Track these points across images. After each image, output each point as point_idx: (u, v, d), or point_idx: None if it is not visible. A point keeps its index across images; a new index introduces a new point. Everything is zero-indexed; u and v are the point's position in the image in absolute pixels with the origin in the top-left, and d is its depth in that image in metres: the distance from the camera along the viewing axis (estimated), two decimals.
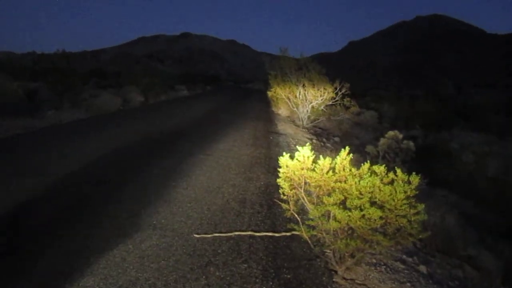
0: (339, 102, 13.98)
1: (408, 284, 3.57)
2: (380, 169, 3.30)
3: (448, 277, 4.18)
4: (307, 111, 14.22)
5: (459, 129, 17.86)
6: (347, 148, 3.55)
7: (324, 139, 12.09)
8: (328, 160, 3.46)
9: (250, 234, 4.17)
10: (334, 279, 3.43)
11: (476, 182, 10.15)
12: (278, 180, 3.69)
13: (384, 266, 3.84)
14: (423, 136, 15.74)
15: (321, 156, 3.51)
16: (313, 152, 3.60)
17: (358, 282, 3.45)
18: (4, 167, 6.34)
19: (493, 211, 8.04)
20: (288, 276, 3.39)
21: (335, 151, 9.28)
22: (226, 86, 55.79)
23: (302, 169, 3.52)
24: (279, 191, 3.74)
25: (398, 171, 3.23)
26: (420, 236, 3.19)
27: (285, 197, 3.71)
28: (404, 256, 4.25)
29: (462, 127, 18.63)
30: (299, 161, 3.55)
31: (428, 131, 17.06)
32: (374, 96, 27.58)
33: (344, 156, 3.48)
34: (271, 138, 10.51)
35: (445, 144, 13.99)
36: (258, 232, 4.23)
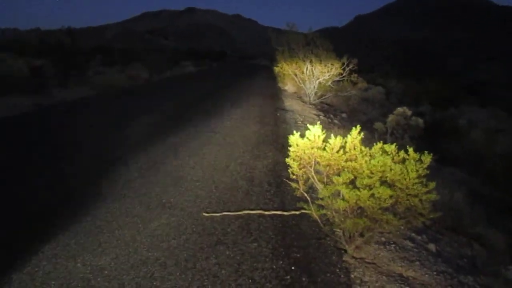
0: (346, 78, 13.82)
1: (418, 263, 3.56)
2: (391, 148, 3.26)
3: (457, 256, 4.19)
4: (314, 87, 14.08)
5: (468, 105, 17.69)
6: (358, 127, 3.50)
7: (332, 116, 12.00)
8: (339, 139, 3.42)
9: (259, 213, 4.17)
10: (343, 258, 3.43)
11: (484, 159, 10.08)
12: (287, 159, 3.65)
13: (394, 245, 3.83)
14: (431, 113, 15.60)
15: (332, 135, 3.46)
16: (323, 131, 3.56)
17: (368, 261, 3.45)
18: None
19: (501, 188, 8.00)
20: (298, 255, 3.39)
21: (343, 128, 9.22)
22: (231, 61, 55.33)
23: (312, 148, 3.48)
24: (289, 170, 3.72)
25: (410, 150, 3.18)
26: (431, 216, 3.17)
27: (294, 177, 3.68)
28: (413, 235, 4.25)
29: (470, 103, 18.44)
30: (309, 140, 3.51)
31: (436, 107, 16.90)
32: (382, 72, 27.26)
33: (355, 135, 3.44)
34: (278, 114, 10.44)
35: (453, 121, 13.87)
36: (267, 210, 4.22)
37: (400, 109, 9.77)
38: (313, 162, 3.52)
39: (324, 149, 3.44)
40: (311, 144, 3.48)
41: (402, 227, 3.88)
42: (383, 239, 3.89)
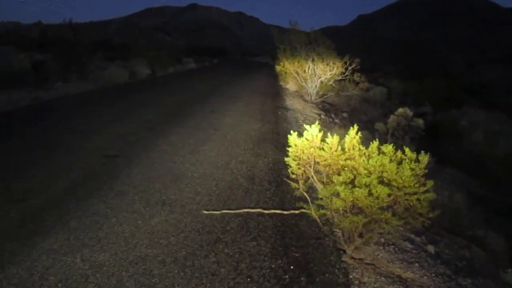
0: (348, 77, 13.79)
1: (417, 264, 3.57)
2: (388, 148, 3.25)
3: (456, 258, 4.18)
4: (316, 86, 14.05)
5: (469, 106, 17.67)
6: (356, 126, 3.50)
7: (333, 115, 11.99)
8: (336, 138, 3.42)
9: (259, 212, 4.17)
10: (342, 259, 3.43)
11: (485, 161, 10.08)
12: (286, 159, 3.66)
13: (393, 246, 3.83)
14: (432, 113, 15.60)
15: (329, 134, 3.47)
16: (321, 130, 3.56)
17: (367, 262, 3.46)
18: None
19: (501, 191, 8.01)
20: (297, 255, 3.40)
21: (344, 127, 9.22)
22: (233, 59, 55.24)
23: (311, 147, 3.49)
24: (288, 170, 3.72)
25: (407, 150, 3.19)
26: (430, 216, 3.17)
27: (294, 176, 3.69)
28: (413, 236, 4.25)
29: (472, 105, 18.42)
30: (307, 139, 3.51)
31: (438, 108, 16.89)
32: (383, 72, 27.23)
33: (353, 135, 3.44)
34: (279, 113, 10.44)
35: (454, 122, 13.86)
36: (267, 209, 4.23)
37: (401, 110, 9.76)
38: (313, 162, 3.52)
39: (323, 148, 3.44)
40: (309, 144, 3.48)
41: (402, 228, 3.89)
42: (382, 240, 3.90)
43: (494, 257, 4.90)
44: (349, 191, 3.05)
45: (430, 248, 4.13)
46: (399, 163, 3.14)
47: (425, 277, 3.38)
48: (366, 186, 3.03)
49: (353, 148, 3.36)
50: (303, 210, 3.85)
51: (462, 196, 6.96)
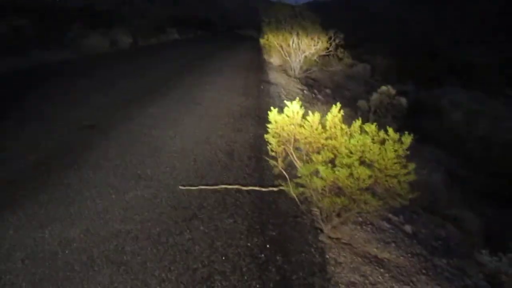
0: (332, 53, 13.66)
1: (393, 244, 3.57)
2: (371, 128, 3.18)
3: (432, 237, 4.21)
4: (300, 60, 13.88)
5: (451, 86, 17.75)
6: (338, 104, 3.42)
7: (316, 91, 11.88)
8: (317, 116, 3.33)
9: (236, 188, 4.10)
10: (319, 238, 3.40)
11: (464, 140, 10.17)
12: (266, 136, 3.56)
13: (370, 225, 3.82)
14: (415, 92, 15.62)
15: (309, 112, 3.38)
16: (303, 106, 3.47)
17: (343, 241, 3.43)
18: None
19: (479, 171, 8.09)
20: (273, 233, 3.35)
21: (326, 104, 9.16)
22: (218, 31, 54.27)
23: (291, 125, 3.40)
24: (268, 147, 3.63)
25: (390, 130, 3.12)
26: (410, 197, 3.14)
27: (273, 153, 3.60)
28: (390, 215, 4.25)
29: (454, 84, 18.51)
30: (288, 116, 3.42)
31: (420, 86, 16.93)
32: (369, 49, 27.10)
33: (335, 113, 3.35)
34: (262, 87, 10.29)
35: (436, 101, 13.91)
36: (245, 186, 4.16)
37: (384, 88, 9.69)
38: (293, 139, 3.44)
39: (303, 126, 3.36)
40: (289, 121, 3.39)
41: (380, 207, 3.87)
42: (360, 219, 3.88)
43: (469, 237, 4.95)
44: (330, 171, 2.98)
45: (407, 228, 4.13)
46: (382, 143, 3.08)
47: (401, 258, 3.38)
48: (348, 167, 2.97)
49: (335, 127, 3.28)
50: (281, 187, 3.78)
51: (441, 175, 7.01)
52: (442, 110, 12.80)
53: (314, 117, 3.29)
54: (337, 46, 13.44)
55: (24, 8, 17.75)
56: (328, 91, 12.49)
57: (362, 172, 2.97)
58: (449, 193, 6.47)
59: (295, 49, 13.81)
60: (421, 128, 9.41)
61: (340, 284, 2.89)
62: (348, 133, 3.25)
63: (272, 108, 3.52)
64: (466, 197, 6.65)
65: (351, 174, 2.99)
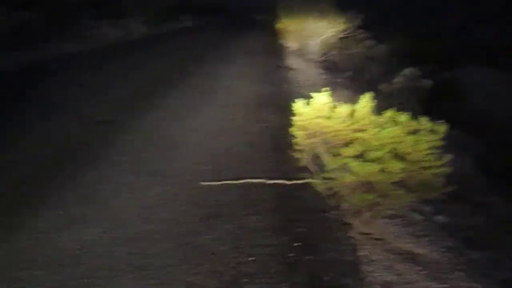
0: (351, 35, 13.36)
1: (426, 238, 3.41)
2: (403, 118, 3.00)
3: (465, 227, 4.06)
4: (318, 44, 13.61)
5: (473, 66, 17.22)
6: (367, 94, 3.24)
7: (336, 74, 11.63)
8: (345, 107, 3.17)
9: (260, 182, 3.94)
10: (349, 234, 3.23)
11: (490, 122, 9.85)
12: (290, 129, 3.40)
13: (401, 218, 3.66)
14: (437, 73, 15.20)
15: (331, 98, 3.21)
16: (330, 98, 3.30)
17: (375, 237, 3.27)
18: None
19: (507, 154, 7.80)
20: (302, 230, 3.20)
21: (348, 88, 8.94)
22: (232, 16, 53.76)
23: (318, 117, 3.23)
24: (291, 139, 3.48)
25: (423, 120, 2.95)
26: (445, 190, 2.99)
27: (298, 146, 3.45)
28: (420, 205, 4.05)
29: (475, 64, 17.97)
30: (314, 108, 3.26)
31: (442, 67, 16.45)
32: (389, 30, 26.46)
33: (364, 104, 3.18)
34: (280, 73, 10.09)
35: (460, 82, 13.51)
36: (269, 180, 4.00)
37: (407, 70, 9.41)
38: (319, 132, 3.27)
39: (330, 118, 3.20)
40: (316, 113, 3.22)
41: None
42: (389, 212, 3.70)
43: (503, 225, 4.75)
44: (361, 165, 2.82)
45: (439, 219, 3.99)
46: (413, 133, 2.91)
47: (435, 253, 3.22)
48: (379, 160, 2.80)
49: (364, 118, 3.10)
50: (307, 180, 3.61)
51: (469, 160, 6.79)
52: (467, 90, 12.43)
53: (342, 109, 3.12)
54: (355, 28, 13.15)
55: (34, 0, 17.71)
56: (347, 74, 12.20)
57: (394, 165, 2.80)
58: (478, 179, 6.26)
59: (312, 33, 13.57)
60: (446, 110, 9.12)
61: (374, 285, 2.73)
62: (377, 124, 3.07)
63: (293, 97, 3.37)
64: (496, 183, 6.42)
65: (382, 169, 2.83)
